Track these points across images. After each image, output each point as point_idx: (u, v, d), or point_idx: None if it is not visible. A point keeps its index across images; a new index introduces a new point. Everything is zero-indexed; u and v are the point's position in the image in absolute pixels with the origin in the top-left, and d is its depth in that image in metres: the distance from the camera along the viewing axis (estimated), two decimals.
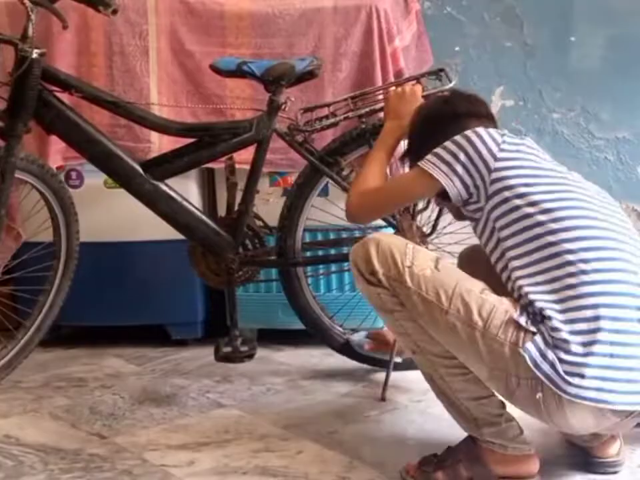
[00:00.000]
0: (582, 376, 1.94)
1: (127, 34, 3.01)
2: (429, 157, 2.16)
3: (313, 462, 2.34)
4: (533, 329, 1.98)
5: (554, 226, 2.03)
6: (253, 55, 2.96)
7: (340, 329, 2.91)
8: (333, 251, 2.98)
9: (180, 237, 2.81)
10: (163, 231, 2.82)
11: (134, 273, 3.18)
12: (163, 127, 2.76)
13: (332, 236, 3.04)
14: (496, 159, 2.11)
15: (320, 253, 3.00)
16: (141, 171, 2.71)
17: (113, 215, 3.08)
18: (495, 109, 3.84)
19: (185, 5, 3.02)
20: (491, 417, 2.13)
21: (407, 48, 3.22)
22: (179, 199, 2.74)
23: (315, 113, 2.72)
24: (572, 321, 1.97)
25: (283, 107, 2.69)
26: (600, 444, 2.22)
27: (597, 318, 1.96)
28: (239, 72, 2.70)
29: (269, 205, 3.01)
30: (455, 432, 2.24)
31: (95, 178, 2.98)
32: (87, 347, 3.23)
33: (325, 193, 2.92)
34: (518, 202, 2.07)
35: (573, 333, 1.96)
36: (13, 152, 2.56)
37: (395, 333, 2.20)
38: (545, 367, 1.96)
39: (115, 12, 2.54)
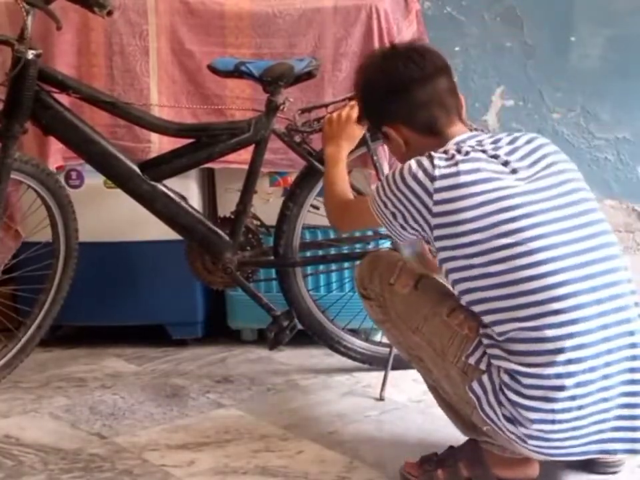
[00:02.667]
0: (520, 425, 1.95)
1: (127, 34, 3.00)
2: (376, 196, 2.08)
3: (313, 462, 2.34)
4: (482, 367, 2.00)
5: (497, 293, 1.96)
6: (254, 55, 2.95)
7: (339, 329, 2.90)
8: (332, 251, 2.99)
9: (180, 236, 2.82)
10: (163, 231, 2.82)
11: (134, 273, 3.17)
12: (161, 128, 2.77)
13: (332, 235, 3.04)
14: (432, 215, 1.99)
15: (320, 252, 3.00)
16: (138, 171, 2.71)
17: (113, 215, 3.08)
18: (494, 109, 3.85)
19: (185, 4, 3.01)
20: None
21: None
22: (177, 199, 2.75)
23: (315, 113, 2.72)
24: (521, 384, 1.94)
25: (282, 107, 2.69)
26: None
27: (555, 388, 1.92)
28: (236, 72, 2.70)
29: (268, 205, 3.01)
30: (455, 432, 2.24)
31: (94, 178, 2.97)
32: (87, 347, 3.23)
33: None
34: (464, 262, 1.97)
35: (523, 396, 1.94)
36: (8, 153, 2.56)
37: (391, 342, 2.30)
38: (487, 408, 1.99)
39: (110, 13, 2.54)
